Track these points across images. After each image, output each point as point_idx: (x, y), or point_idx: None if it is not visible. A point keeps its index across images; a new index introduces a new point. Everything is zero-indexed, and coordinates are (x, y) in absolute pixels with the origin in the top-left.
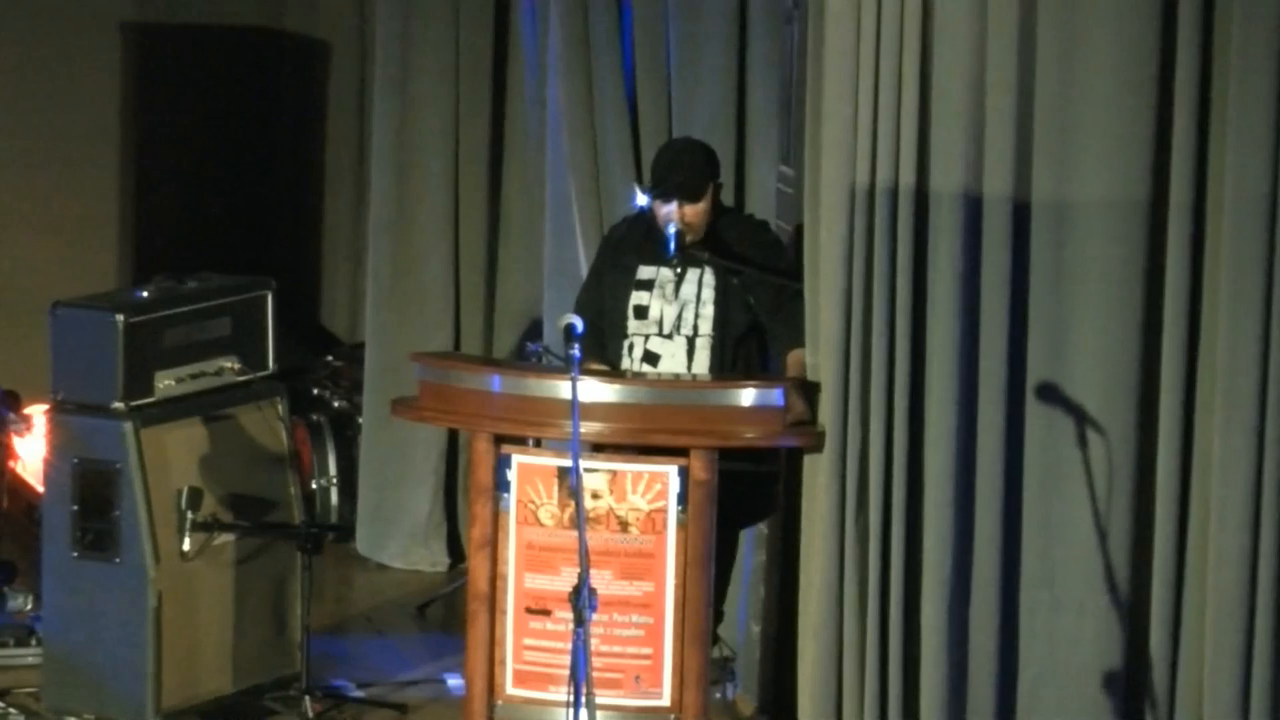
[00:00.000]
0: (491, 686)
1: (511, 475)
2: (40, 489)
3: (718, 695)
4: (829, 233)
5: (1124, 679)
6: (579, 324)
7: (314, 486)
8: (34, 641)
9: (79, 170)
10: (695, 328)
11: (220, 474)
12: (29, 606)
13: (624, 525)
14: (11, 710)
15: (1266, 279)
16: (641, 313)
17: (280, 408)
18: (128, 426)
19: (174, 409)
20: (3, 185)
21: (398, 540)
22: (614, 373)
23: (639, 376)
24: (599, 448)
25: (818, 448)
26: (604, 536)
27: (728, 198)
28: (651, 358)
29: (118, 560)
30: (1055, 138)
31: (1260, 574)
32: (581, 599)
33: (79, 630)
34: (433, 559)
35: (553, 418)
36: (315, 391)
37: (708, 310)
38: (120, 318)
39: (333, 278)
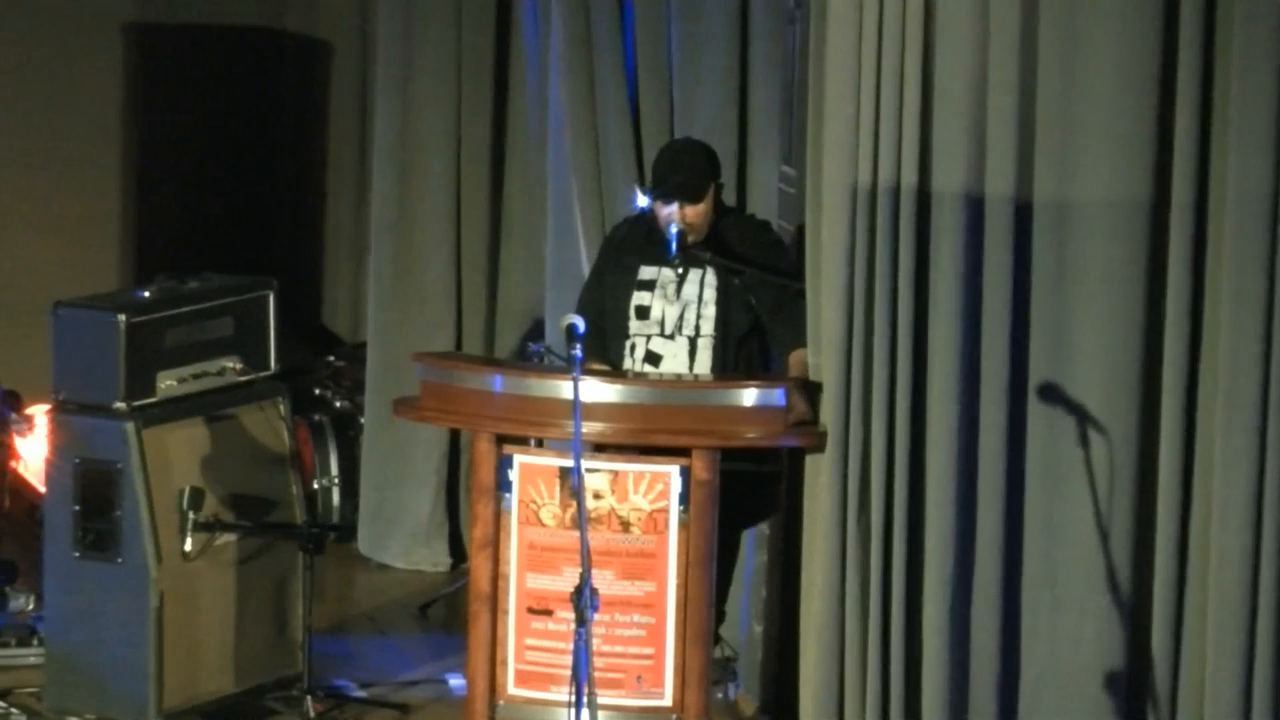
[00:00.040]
0: (493, 686)
1: (513, 475)
2: (42, 489)
3: (719, 695)
4: (831, 232)
5: (1126, 679)
6: (581, 324)
7: (316, 486)
8: (35, 641)
9: (79, 170)
10: (697, 328)
11: (222, 474)
12: (30, 606)
13: (626, 525)
14: (13, 710)
15: (1268, 279)
16: (643, 313)
17: (282, 408)
18: (129, 426)
19: (176, 409)
20: (3, 185)
21: (399, 540)
22: (616, 373)
23: (641, 377)
24: (601, 448)
25: (819, 448)
26: (606, 536)
27: (729, 198)
28: (653, 358)
29: (119, 560)
30: (1057, 138)
31: (1262, 574)
32: (583, 599)
33: (80, 630)
34: (434, 559)
35: (554, 418)
36: (317, 391)
37: (709, 310)
38: (122, 318)
39: (334, 278)
